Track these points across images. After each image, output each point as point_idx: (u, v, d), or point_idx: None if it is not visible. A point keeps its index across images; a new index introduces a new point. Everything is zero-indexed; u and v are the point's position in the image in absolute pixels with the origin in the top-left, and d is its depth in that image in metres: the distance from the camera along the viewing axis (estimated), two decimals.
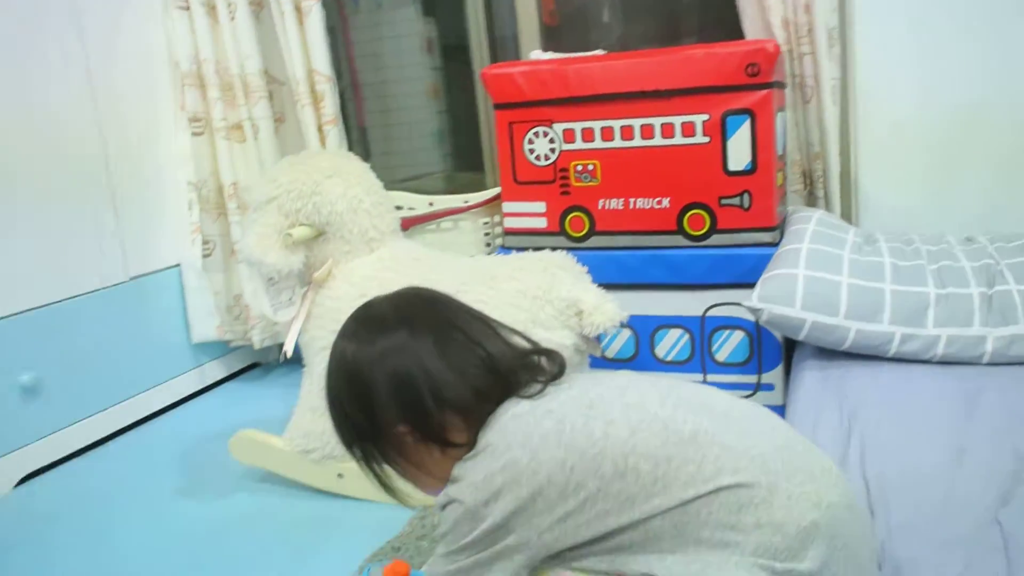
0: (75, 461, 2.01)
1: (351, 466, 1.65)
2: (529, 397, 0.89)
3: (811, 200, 1.97)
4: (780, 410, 1.41)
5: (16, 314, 1.89)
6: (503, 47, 2.55)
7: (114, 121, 2.14)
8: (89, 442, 2.06)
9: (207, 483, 1.81)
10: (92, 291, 2.08)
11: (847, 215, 1.95)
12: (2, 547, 1.63)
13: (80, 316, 2.04)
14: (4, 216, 1.87)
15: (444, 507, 0.87)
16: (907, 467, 1.11)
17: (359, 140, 3.18)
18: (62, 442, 2.00)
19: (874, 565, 0.85)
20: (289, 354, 1.68)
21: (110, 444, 2.10)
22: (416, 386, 0.88)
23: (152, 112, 2.26)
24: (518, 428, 0.86)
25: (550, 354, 0.97)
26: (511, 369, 0.92)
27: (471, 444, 0.89)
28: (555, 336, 1.47)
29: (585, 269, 1.60)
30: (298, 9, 2.23)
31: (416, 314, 0.95)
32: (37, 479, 1.93)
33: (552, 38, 2.55)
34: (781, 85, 1.77)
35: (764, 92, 1.64)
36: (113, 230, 2.14)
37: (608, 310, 1.50)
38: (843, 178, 1.92)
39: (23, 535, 1.67)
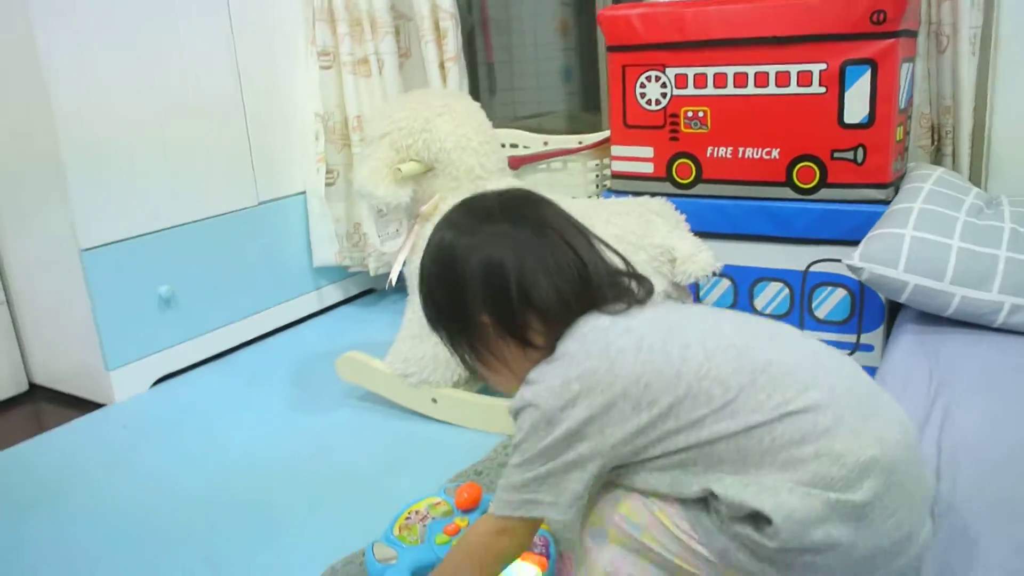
0: (203, 368, 2.20)
1: (445, 392, 1.74)
2: (611, 313, 0.91)
3: (937, 157, 1.87)
4: (876, 372, 1.39)
5: (157, 231, 2.07)
6: None
7: (250, 53, 2.25)
8: (216, 352, 2.25)
9: (315, 397, 1.95)
10: (225, 213, 2.23)
11: (976, 176, 1.84)
12: (137, 438, 1.83)
13: (213, 236, 2.20)
14: (150, 143, 2.03)
15: (518, 412, 0.89)
16: (985, 440, 1.07)
17: (486, 76, 3.21)
18: (193, 350, 2.19)
19: (927, 508, 0.84)
20: (394, 283, 1.76)
21: (234, 355, 2.28)
22: (506, 279, 0.90)
23: (285, 46, 2.37)
24: (597, 339, 0.87)
25: (640, 279, 0.97)
26: (600, 284, 0.93)
27: (548, 349, 0.91)
28: None
29: (683, 217, 1.59)
30: None
31: (520, 211, 0.96)
32: (170, 381, 2.13)
33: None
34: (911, 33, 1.68)
35: (889, 41, 1.56)
36: (246, 157, 2.28)
37: (701, 259, 1.49)
38: (975, 136, 1.81)
39: (154, 429, 1.86)
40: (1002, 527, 0.90)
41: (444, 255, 0.94)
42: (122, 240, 1.99)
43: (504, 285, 0.90)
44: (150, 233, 2.05)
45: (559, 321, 0.91)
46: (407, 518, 1.32)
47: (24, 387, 2.18)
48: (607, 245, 0.99)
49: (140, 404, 2.01)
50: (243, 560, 1.35)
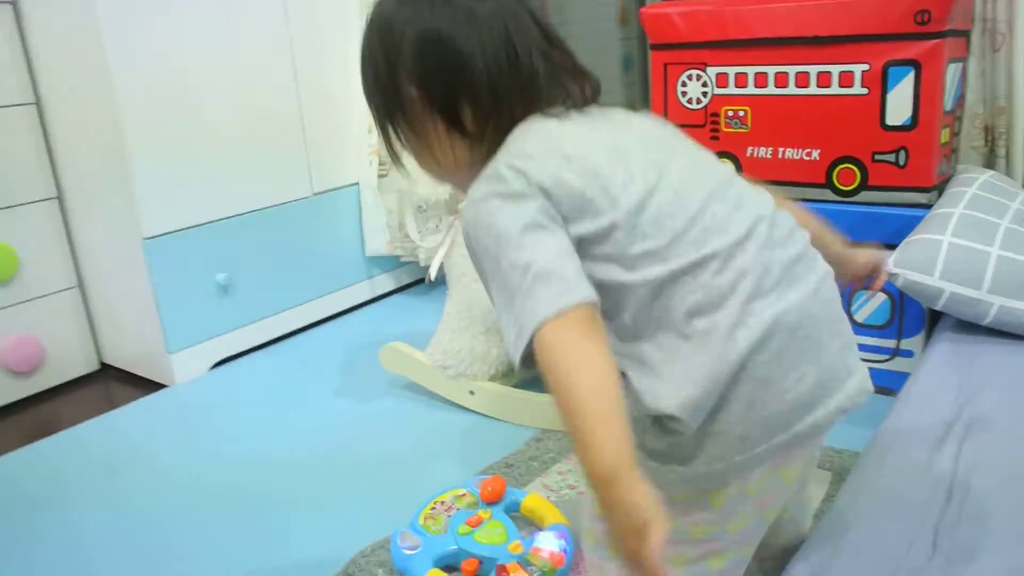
0: (258, 353, 2.30)
1: (482, 384, 1.79)
2: (554, 116, 0.86)
3: (990, 160, 1.82)
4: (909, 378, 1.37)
5: (216, 221, 2.16)
6: None
7: (305, 46, 2.32)
8: (271, 338, 2.34)
9: (360, 384, 2.02)
10: (280, 203, 2.31)
11: None
12: (194, 419, 1.93)
13: (269, 225, 2.29)
14: (209, 136, 2.11)
15: (474, 208, 0.81)
16: (1005, 458, 1.06)
17: None
18: (249, 335, 2.28)
19: (846, 358, 0.82)
20: (433, 277, 1.81)
21: (288, 341, 2.37)
22: (443, 50, 0.85)
23: (339, 38, 2.43)
24: (541, 141, 0.82)
25: (586, 77, 0.90)
26: (538, 76, 0.86)
27: (478, 136, 0.86)
28: None
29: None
30: None
31: None
32: (228, 364, 2.23)
33: None
34: (959, 33, 1.64)
35: (934, 42, 1.53)
36: (301, 149, 2.35)
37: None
38: None
39: (210, 411, 1.97)
40: (1002, 549, 0.90)
41: (381, 21, 0.90)
42: (182, 229, 2.09)
43: (439, 56, 0.85)
44: (209, 223, 2.14)
45: (491, 107, 0.85)
46: (432, 508, 1.38)
47: (95, 366, 2.32)
48: (561, 42, 0.91)
49: (199, 386, 2.12)
50: (280, 539, 1.43)
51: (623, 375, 0.79)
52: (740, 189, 0.85)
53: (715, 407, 0.77)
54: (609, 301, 0.79)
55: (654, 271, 0.77)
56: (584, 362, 0.70)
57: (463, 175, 0.87)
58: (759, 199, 0.85)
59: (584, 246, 0.78)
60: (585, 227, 0.78)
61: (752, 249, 0.79)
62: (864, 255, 1.12)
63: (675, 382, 0.76)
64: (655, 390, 0.77)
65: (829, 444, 1.53)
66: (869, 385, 0.84)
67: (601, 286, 0.77)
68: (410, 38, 0.86)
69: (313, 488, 1.58)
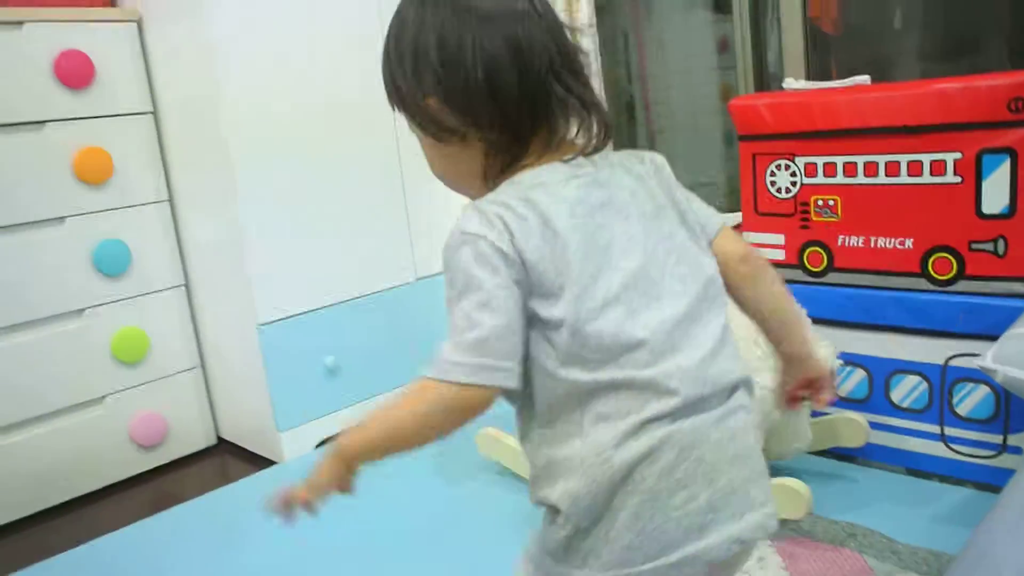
0: None
1: None
2: (565, 167, 0.86)
3: None
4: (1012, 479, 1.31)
5: (325, 307, 2.29)
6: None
7: (407, 134, 2.45)
8: None
9: (455, 466, 2.07)
10: (385, 289, 2.43)
11: None
12: None
13: (374, 311, 2.40)
14: (319, 230, 2.26)
15: (457, 249, 0.83)
16: None
17: (646, 146, 3.28)
18: (354, 416, 2.37)
19: (751, 488, 0.83)
20: None
21: None
22: (447, 57, 0.85)
23: None
24: (537, 202, 0.82)
25: (600, 114, 0.88)
26: (553, 102, 0.85)
27: (487, 153, 0.88)
28: (758, 378, 1.48)
29: (804, 311, 1.58)
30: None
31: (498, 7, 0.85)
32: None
33: (833, 49, 2.47)
34: None
35: None
36: (405, 237, 2.48)
37: (819, 357, 1.47)
38: None
39: None
40: None
41: (401, 28, 0.90)
42: (294, 315, 2.22)
43: (443, 64, 0.85)
44: (318, 309, 2.28)
45: (498, 120, 0.85)
46: None
47: (213, 441, 2.47)
48: (579, 65, 0.88)
49: (305, 464, 2.20)
50: None
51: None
52: (690, 324, 0.84)
53: (601, 511, 0.79)
54: (533, 374, 0.83)
55: (580, 376, 0.80)
56: (414, 418, 0.85)
57: (471, 189, 0.92)
58: (705, 333, 0.84)
59: (532, 321, 0.82)
60: (541, 309, 0.80)
61: (674, 382, 0.80)
62: (813, 367, 1.08)
63: (560, 476, 0.81)
64: (543, 481, 0.84)
65: (927, 544, 1.46)
66: (773, 523, 0.84)
67: (530, 358, 0.82)
68: (421, 45, 0.87)
69: (399, 567, 1.64)
